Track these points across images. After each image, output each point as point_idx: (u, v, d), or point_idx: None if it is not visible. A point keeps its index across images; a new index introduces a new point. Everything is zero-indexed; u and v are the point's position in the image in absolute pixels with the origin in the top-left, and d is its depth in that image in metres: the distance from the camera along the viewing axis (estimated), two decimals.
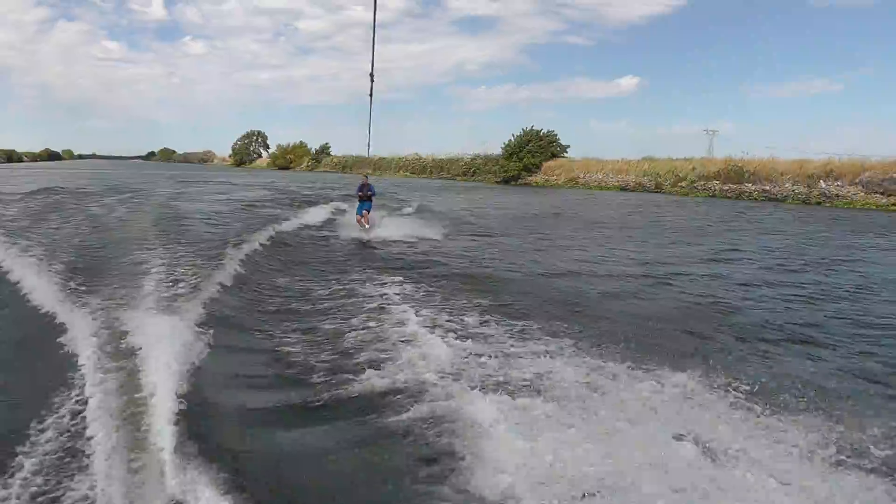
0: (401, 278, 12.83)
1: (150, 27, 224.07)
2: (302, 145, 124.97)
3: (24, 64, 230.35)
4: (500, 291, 11.82)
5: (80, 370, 6.81)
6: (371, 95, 20.38)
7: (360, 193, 21.85)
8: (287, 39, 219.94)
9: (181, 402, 5.80)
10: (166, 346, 7.10)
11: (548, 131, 64.48)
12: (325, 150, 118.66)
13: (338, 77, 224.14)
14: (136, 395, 5.99)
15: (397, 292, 11.53)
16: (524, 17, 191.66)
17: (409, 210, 29.85)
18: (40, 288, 10.66)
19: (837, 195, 39.15)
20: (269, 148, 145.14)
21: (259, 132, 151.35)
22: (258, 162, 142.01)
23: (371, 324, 9.51)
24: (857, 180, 38.80)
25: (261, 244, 16.44)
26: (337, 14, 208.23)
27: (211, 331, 8.26)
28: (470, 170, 73.25)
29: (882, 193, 37.27)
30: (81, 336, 7.88)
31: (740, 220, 28.04)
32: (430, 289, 11.89)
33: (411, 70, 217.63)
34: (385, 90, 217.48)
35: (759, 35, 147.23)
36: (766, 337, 9.15)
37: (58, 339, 8.04)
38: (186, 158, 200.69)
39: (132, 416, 5.63)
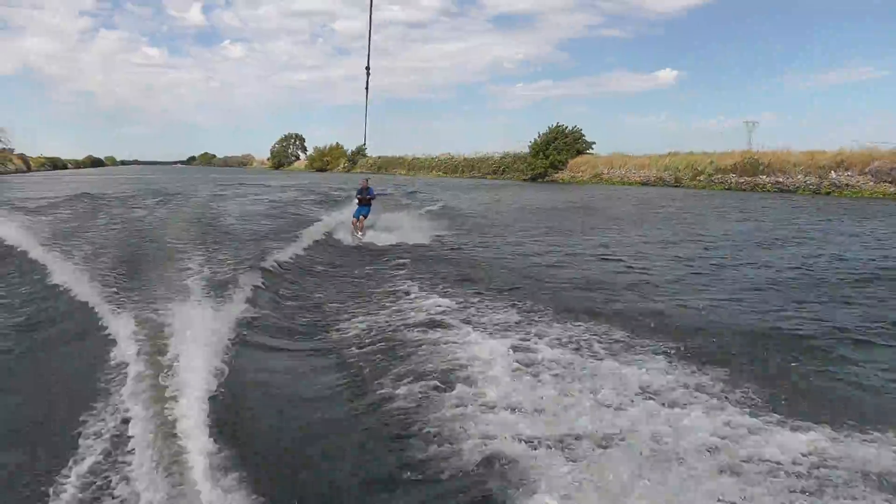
0: (405, 271, 13.90)
1: (189, 32, 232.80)
2: (338, 147, 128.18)
3: (66, 73, 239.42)
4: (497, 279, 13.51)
5: (119, 368, 7.14)
6: (367, 89, 19.77)
7: (358, 197, 21.23)
8: (324, 40, 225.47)
9: (215, 401, 6.09)
10: (201, 343, 7.38)
11: (573, 128, 66.73)
12: (360, 151, 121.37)
13: (376, 76, 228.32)
14: (171, 394, 6.17)
15: (411, 286, 12.09)
16: (561, 11, 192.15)
17: (431, 208, 31.33)
18: (83, 286, 11.26)
19: (847, 185, 40.78)
20: (306, 150, 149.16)
21: (297, 135, 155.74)
22: (296, 164, 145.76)
23: (390, 317, 9.95)
24: (866, 170, 40.38)
25: (290, 245, 16.97)
26: (374, 14, 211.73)
27: (245, 329, 8.87)
28: (499, 168, 75.70)
29: (890, 182, 38.84)
30: (121, 333, 8.20)
31: (729, 210, 29.85)
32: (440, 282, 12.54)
33: (447, 69, 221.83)
34: (421, 90, 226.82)
35: (801, 22, 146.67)
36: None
37: (99, 335, 8.52)
38: (226, 162, 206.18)
39: (168, 419, 5.76)
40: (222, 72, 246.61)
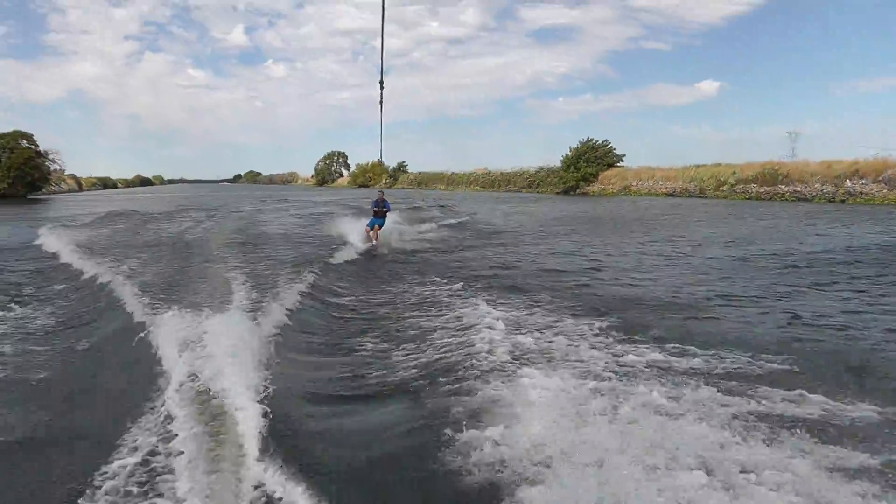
0: (437, 278, 14.55)
1: (232, 53, 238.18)
2: (379, 164, 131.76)
3: (114, 95, 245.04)
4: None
5: (164, 372, 7.42)
6: (381, 103, 19.94)
7: (374, 209, 21.79)
8: (365, 58, 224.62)
9: (262, 404, 6.15)
10: (245, 349, 7.62)
11: (603, 142, 69.41)
12: (401, 167, 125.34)
13: (416, 92, 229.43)
14: (217, 400, 6.33)
15: (451, 292, 12.74)
16: (602, 24, 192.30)
17: (458, 220, 34.27)
18: (131, 292, 12.12)
19: (861, 193, 42.97)
20: (349, 167, 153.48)
21: (340, 152, 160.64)
22: (339, 181, 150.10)
23: (428, 322, 10.42)
24: (880, 178, 42.40)
25: (326, 254, 18.00)
26: (413, 31, 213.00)
27: (284, 333, 9.35)
28: (534, 182, 78.65)
29: None
30: (165, 339, 8.55)
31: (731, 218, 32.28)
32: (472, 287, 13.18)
33: (487, 85, 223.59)
34: (462, 106, 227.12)
35: (843, 29, 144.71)
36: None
37: (143, 339, 8.84)
38: (271, 180, 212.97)
39: (216, 420, 5.96)
40: (265, 91, 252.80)
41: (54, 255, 18.73)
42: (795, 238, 22.31)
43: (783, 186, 48.35)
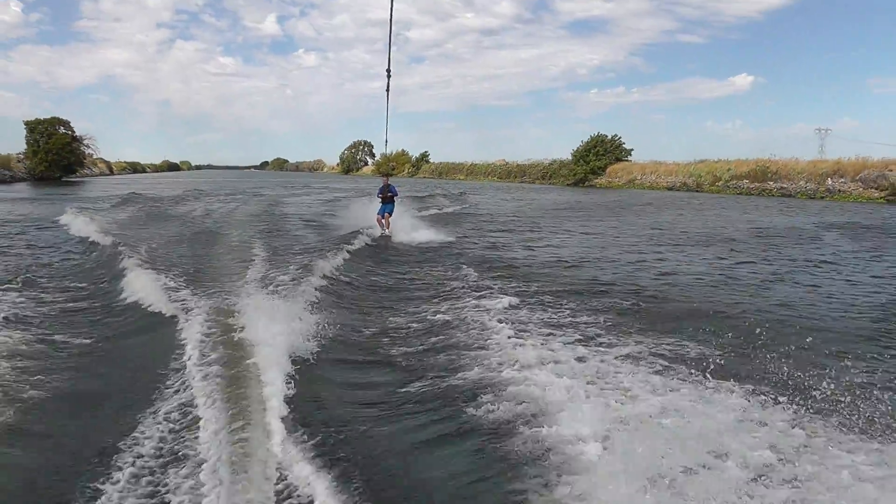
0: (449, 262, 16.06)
1: (264, 42, 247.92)
2: (403, 153, 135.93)
3: (144, 82, 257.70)
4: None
5: (187, 353, 7.83)
6: (388, 91, 19.98)
7: (380, 196, 21.87)
8: (398, 48, 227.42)
9: (287, 383, 6.64)
10: (271, 331, 7.84)
11: (612, 136, 72.66)
12: (424, 157, 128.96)
13: (449, 83, 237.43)
14: (243, 381, 6.72)
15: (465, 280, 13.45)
16: (636, 16, 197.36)
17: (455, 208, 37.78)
18: (154, 276, 12.64)
19: (840, 190, 46.09)
20: (374, 156, 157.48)
21: (365, 142, 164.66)
22: (364, 170, 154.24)
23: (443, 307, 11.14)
24: (857, 177, 45.41)
25: (340, 242, 18.42)
26: (447, 21, 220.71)
27: (310, 314, 9.66)
28: (547, 173, 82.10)
29: (876, 188, 43.92)
30: (192, 318, 9.18)
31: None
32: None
33: (520, 76, 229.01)
34: (493, 97, 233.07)
35: (883, 24, 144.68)
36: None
37: (168, 316, 9.77)
38: (298, 167, 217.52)
39: (241, 404, 6.22)
40: (296, 80, 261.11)
41: (81, 234, 20.24)
42: (730, 224, 26.14)
43: (771, 183, 51.57)
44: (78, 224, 22.00)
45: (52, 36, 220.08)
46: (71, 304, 11.21)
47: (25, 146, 76.64)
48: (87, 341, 8.93)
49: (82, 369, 7.75)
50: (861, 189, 44.96)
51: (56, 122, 78.52)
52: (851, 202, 43.28)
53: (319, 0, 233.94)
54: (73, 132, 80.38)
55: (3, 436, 5.88)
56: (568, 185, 73.90)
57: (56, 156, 75.88)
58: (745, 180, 54.04)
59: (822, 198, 46.30)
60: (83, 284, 12.98)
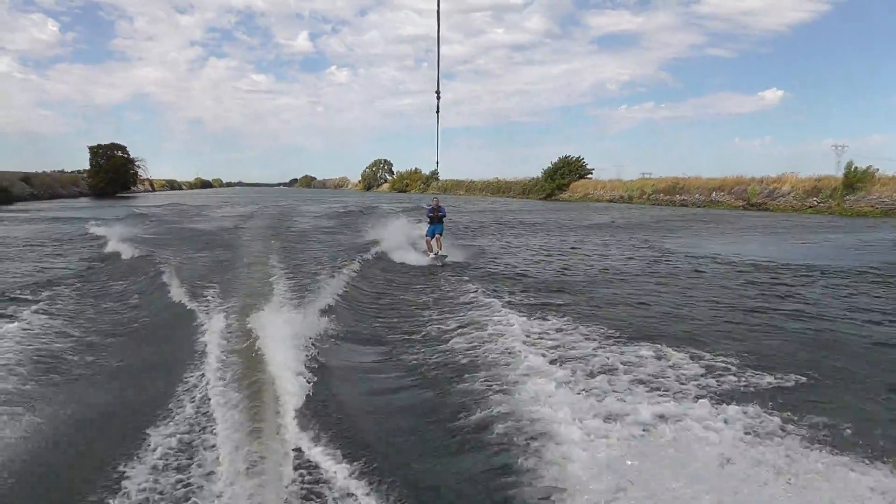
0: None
1: (296, 59, 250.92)
2: (416, 171, 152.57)
3: (177, 100, 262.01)
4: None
5: (206, 350, 8.79)
6: (438, 112, 20.15)
7: (429, 216, 21.94)
8: (429, 65, 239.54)
9: (302, 380, 7.45)
10: (285, 335, 8.77)
11: (576, 158, 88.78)
12: (434, 175, 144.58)
13: (479, 99, 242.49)
14: (258, 381, 7.49)
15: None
16: (665, 31, 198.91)
17: None
18: (181, 281, 14.50)
19: (719, 201, 61.58)
20: (392, 174, 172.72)
21: (385, 160, 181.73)
22: (383, 187, 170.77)
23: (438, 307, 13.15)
24: (732, 191, 60.76)
25: (354, 251, 21.45)
26: (477, 37, 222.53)
27: (323, 319, 10.92)
28: (526, 189, 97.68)
29: (739, 199, 59.34)
30: (210, 319, 10.41)
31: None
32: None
33: (550, 92, 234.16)
34: (523, 113, 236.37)
35: None
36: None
37: (187, 316, 11.17)
38: (324, 184, 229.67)
39: (255, 398, 7.06)
40: (327, 97, 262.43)
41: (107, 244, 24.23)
42: (584, 218, 41.67)
43: (678, 196, 66.99)
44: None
45: (87, 55, 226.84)
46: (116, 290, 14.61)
47: (89, 166, 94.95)
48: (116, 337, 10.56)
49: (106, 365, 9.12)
50: (731, 200, 60.33)
51: (115, 146, 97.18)
52: (722, 209, 58.58)
53: (350, 17, 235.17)
54: (129, 155, 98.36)
55: (34, 426, 6.70)
56: (540, 198, 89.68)
57: (114, 175, 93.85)
58: (661, 194, 69.53)
59: (706, 207, 61.67)
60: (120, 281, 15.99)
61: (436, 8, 17.04)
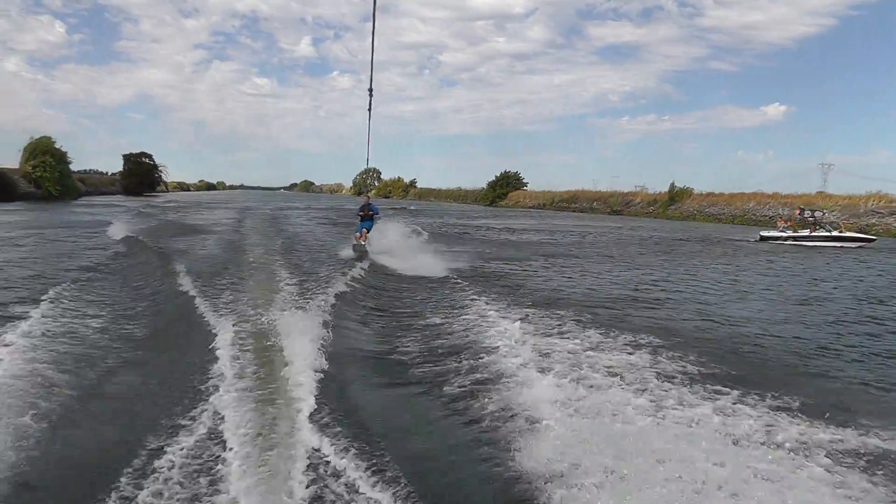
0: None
1: (298, 64, 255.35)
2: (399, 180, 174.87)
3: (181, 102, 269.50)
4: None
5: (219, 348, 8.90)
6: (370, 110, 20.57)
7: (360, 214, 23.16)
8: (430, 72, 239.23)
9: (316, 375, 7.72)
10: (297, 333, 9.24)
11: (515, 172, 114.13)
12: (412, 183, 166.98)
13: (479, 107, 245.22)
14: (273, 378, 7.71)
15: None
16: (668, 43, 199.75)
17: None
18: (193, 281, 14.79)
19: (597, 209, 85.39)
20: (380, 181, 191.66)
21: (375, 169, 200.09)
22: (371, 192, 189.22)
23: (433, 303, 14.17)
24: (606, 201, 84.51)
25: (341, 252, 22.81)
26: (479, 45, 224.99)
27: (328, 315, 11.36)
28: (478, 197, 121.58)
29: (606, 207, 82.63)
30: (222, 319, 10.61)
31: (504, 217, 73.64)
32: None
33: (551, 102, 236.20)
34: (524, 122, 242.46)
35: None
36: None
37: (197, 317, 11.27)
38: (322, 189, 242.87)
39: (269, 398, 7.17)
40: (329, 101, 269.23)
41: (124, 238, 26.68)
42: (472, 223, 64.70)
43: (574, 204, 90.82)
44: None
45: (92, 56, 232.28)
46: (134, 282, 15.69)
47: (122, 169, 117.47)
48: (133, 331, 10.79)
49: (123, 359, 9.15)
50: (603, 207, 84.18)
51: (143, 154, 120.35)
52: (596, 214, 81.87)
53: (353, 23, 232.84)
54: (154, 162, 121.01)
55: (56, 421, 6.67)
56: (485, 204, 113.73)
57: (143, 177, 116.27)
58: (563, 202, 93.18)
59: (588, 211, 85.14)
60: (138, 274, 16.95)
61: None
